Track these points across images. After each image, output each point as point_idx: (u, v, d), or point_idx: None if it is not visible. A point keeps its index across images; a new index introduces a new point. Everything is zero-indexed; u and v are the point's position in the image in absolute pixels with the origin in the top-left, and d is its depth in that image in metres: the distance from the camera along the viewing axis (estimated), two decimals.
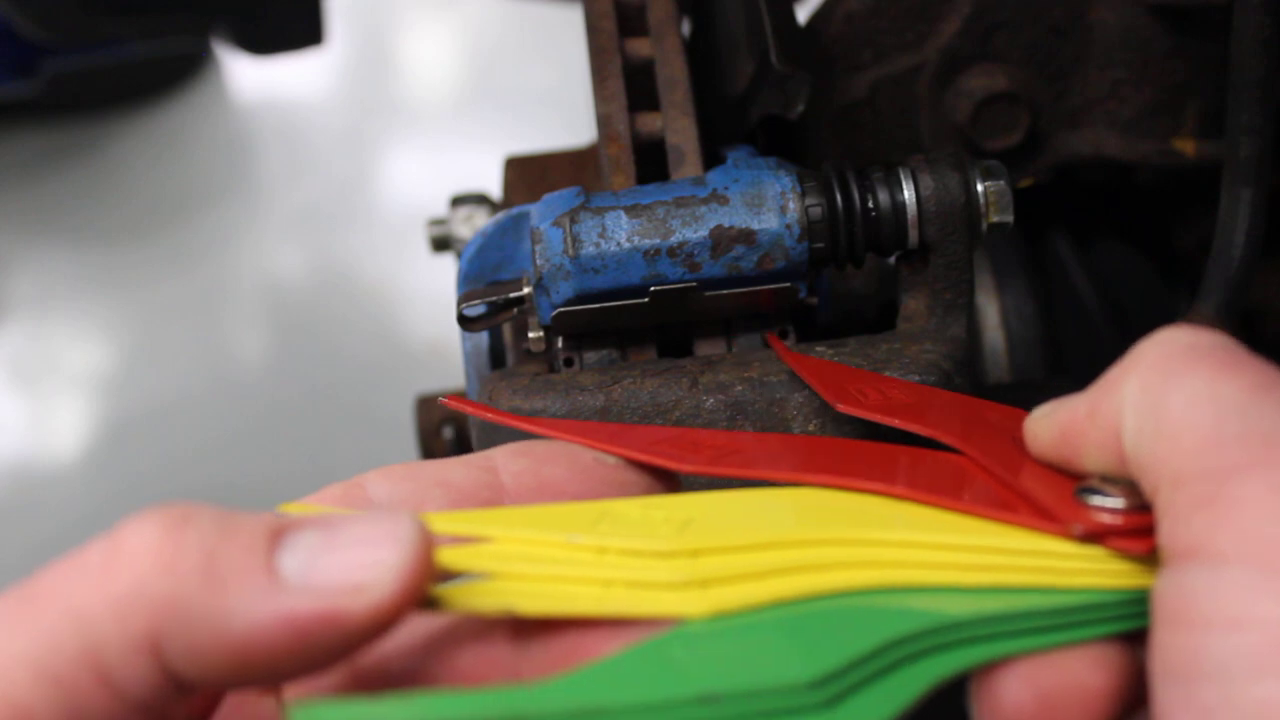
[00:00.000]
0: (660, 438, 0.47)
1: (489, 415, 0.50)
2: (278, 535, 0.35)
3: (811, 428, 0.51)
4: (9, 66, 1.81)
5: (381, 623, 0.34)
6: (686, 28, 0.71)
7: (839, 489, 0.43)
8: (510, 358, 0.62)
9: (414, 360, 1.63)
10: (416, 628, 0.39)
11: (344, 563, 0.35)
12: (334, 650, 0.34)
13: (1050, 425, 0.42)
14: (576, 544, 0.38)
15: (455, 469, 0.43)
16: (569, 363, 0.56)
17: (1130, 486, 0.39)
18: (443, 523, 0.39)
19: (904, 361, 0.52)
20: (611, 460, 0.45)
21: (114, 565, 0.34)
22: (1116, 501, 0.39)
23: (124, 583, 0.34)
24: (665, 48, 0.60)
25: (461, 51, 2.03)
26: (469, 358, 0.63)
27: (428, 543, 0.35)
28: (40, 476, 1.59)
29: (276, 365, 1.68)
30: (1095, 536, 0.39)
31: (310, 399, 1.62)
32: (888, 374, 0.52)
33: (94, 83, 1.85)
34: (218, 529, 0.35)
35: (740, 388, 0.52)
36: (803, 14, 0.66)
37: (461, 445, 0.80)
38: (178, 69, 1.91)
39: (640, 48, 0.60)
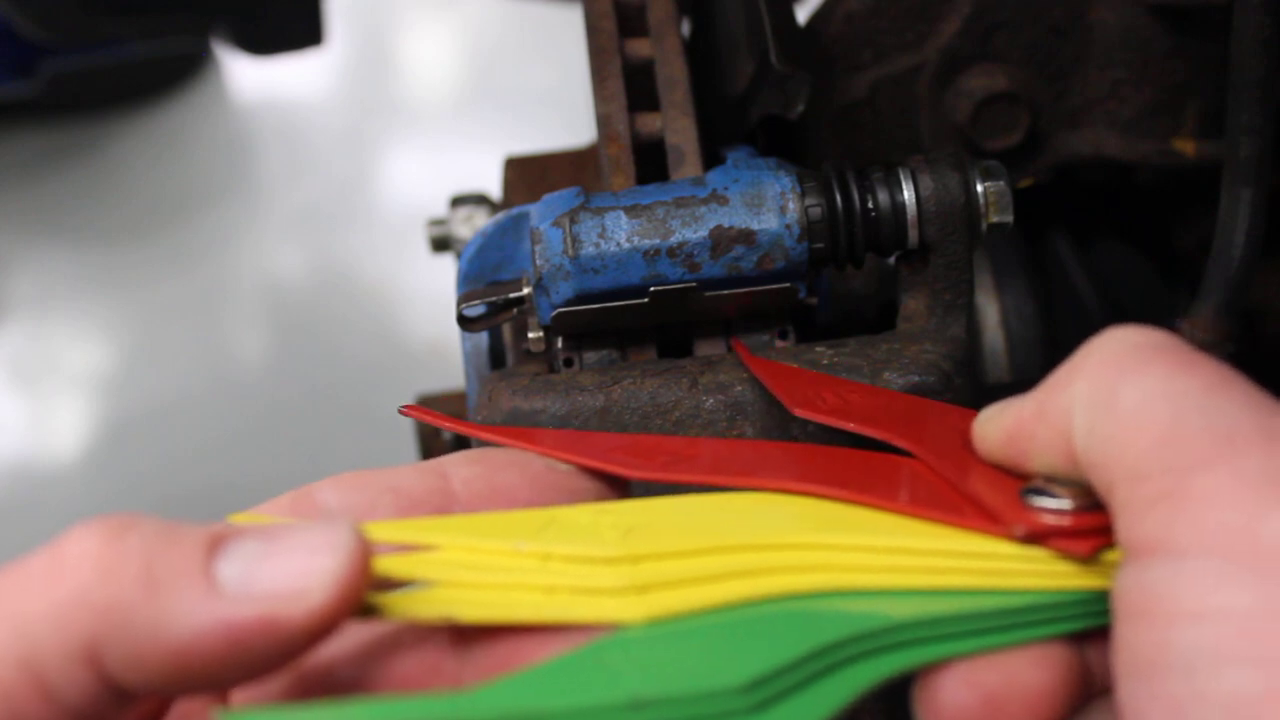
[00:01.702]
0: (614, 444, 0.47)
1: (444, 424, 0.49)
2: (217, 544, 0.35)
3: (811, 428, 0.51)
4: (9, 66, 1.81)
5: (318, 629, 0.35)
6: (686, 28, 0.71)
7: (788, 493, 0.43)
8: (510, 358, 0.62)
9: (414, 360, 1.63)
10: (361, 634, 0.39)
11: (281, 570, 0.35)
12: (272, 656, 0.35)
13: (998, 426, 0.42)
14: (520, 551, 0.38)
15: (406, 476, 0.43)
16: (569, 363, 0.56)
17: (1076, 487, 0.39)
18: (388, 531, 0.39)
19: (904, 361, 0.52)
20: (564, 467, 0.44)
21: (55, 573, 0.34)
22: (1062, 503, 0.39)
23: (64, 590, 0.34)
24: (665, 48, 0.60)
25: (461, 51, 2.03)
26: (469, 358, 0.63)
27: (365, 550, 0.35)
28: (40, 476, 1.59)
29: (276, 365, 1.68)
30: (1038, 537, 0.39)
31: (310, 399, 1.62)
32: (887, 374, 0.52)
33: (94, 83, 1.85)
34: (158, 538, 0.35)
35: (740, 388, 0.52)
36: (803, 14, 0.66)
37: (460, 446, 0.80)
38: (178, 69, 1.91)
39: (640, 48, 0.60)
